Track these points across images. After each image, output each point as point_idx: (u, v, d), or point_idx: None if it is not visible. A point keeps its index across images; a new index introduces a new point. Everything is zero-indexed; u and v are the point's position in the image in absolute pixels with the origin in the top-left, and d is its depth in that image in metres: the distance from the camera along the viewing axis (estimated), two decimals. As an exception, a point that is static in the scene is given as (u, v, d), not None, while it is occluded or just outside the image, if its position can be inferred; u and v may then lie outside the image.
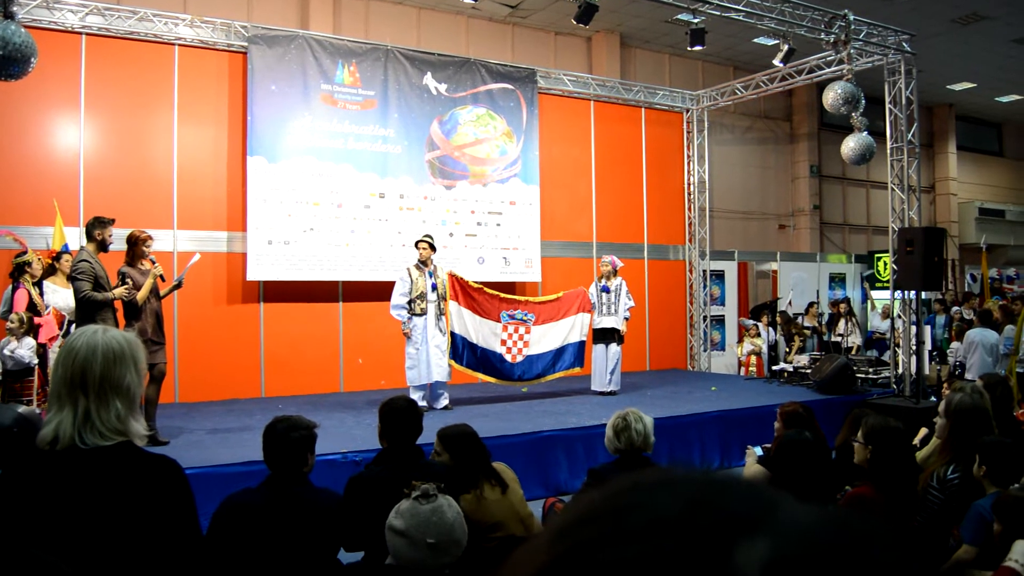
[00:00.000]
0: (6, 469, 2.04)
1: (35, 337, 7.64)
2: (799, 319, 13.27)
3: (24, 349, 7.48)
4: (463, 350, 8.55)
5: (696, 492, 0.49)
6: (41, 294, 7.96)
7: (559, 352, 9.12)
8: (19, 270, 7.94)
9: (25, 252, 8.17)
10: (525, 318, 8.97)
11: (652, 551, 0.45)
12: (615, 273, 9.52)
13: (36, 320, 7.70)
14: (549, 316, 9.12)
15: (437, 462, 3.74)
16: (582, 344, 9.26)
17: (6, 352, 7.43)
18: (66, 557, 1.86)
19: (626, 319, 9.48)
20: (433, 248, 8.52)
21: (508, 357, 8.86)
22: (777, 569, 0.43)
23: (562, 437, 7.09)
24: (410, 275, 8.36)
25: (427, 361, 8.30)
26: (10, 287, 8.04)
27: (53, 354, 7.44)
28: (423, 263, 8.41)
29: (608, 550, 0.46)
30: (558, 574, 0.47)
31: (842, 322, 13.01)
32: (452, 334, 8.45)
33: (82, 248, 6.41)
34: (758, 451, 5.13)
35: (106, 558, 1.91)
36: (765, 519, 0.46)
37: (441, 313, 8.43)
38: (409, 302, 8.30)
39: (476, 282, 8.98)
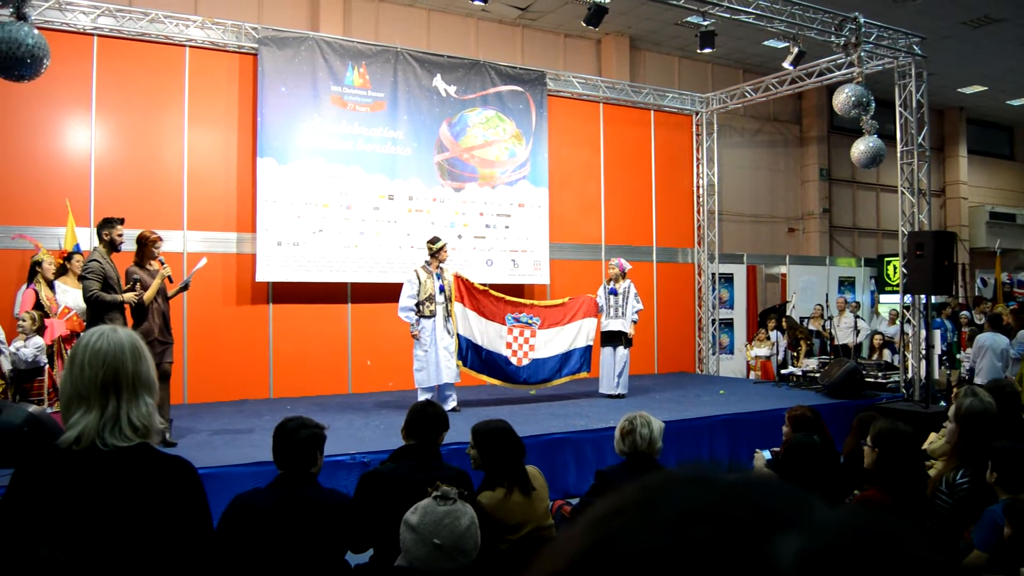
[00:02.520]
0: (19, 467, 2.05)
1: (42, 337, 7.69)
2: (804, 323, 13.24)
3: (30, 348, 7.52)
4: (467, 352, 8.55)
5: (729, 487, 0.50)
6: (55, 294, 8.01)
7: (566, 356, 9.12)
8: (31, 270, 7.99)
9: (37, 252, 8.23)
10: (530, 321, 8.97)
11: (686, 539, 0.46)
12: (623, 276, 9.51)
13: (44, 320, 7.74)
14: (555, 320, 9.12)
15: (448, 467, 3.73)
16: (589, 349, 9.26)
17: (10, 350, 7.47)
18: (81, 555, 1.87)
19: (634, 322, 9.47)
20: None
21: (513, 360, 8.86)
22: (814, 561, 0.44)
23: (570, 439, 7.09)
24: (418, 277, 8.36)
25: (436, 363, 8.31)
26: (24, 286, 8.12)
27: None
28: (432, 264, 8.41)
29: (642, 537, 0.47)
30: (593, 560, 0.48)
31: (848, 313, 13.04)
32: (457, 335, 8.45)
33: (94, 249, 6.45)
34: (766, 455, 5.11)
35: (121, 556, 1.92)
36: (799, 515, 0.47)
37: (449, 315, 8.44)
38: (417, 304, 8.30)
39: (482, 284, 8.99)
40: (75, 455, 1.96)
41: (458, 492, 2.64)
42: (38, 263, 8.00)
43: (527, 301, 9.38)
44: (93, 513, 1.93)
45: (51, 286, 8.01)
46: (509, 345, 8.84)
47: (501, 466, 3.71)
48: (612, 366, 9.48)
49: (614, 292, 9.46)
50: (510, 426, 3.86)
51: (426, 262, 8.46)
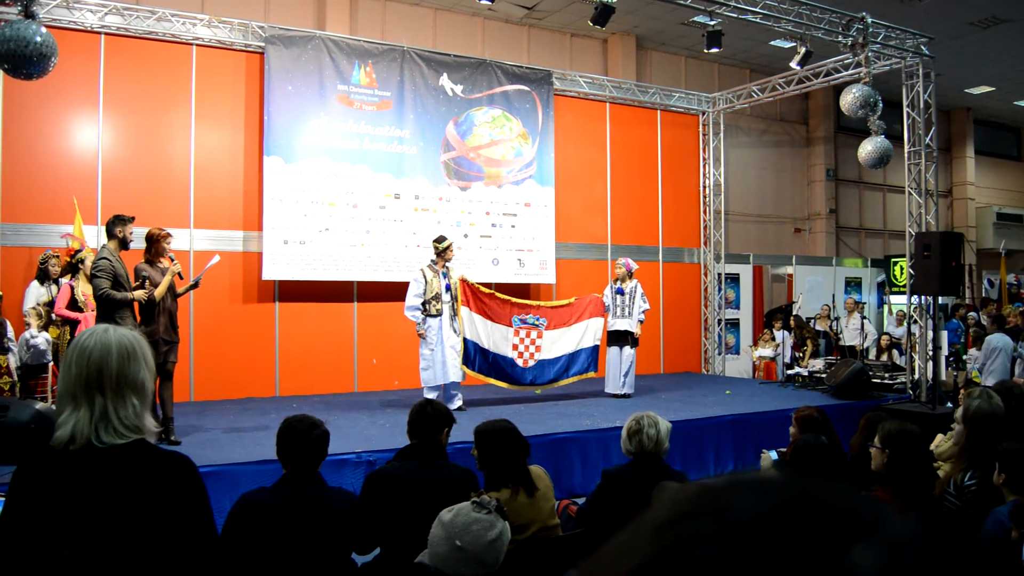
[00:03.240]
0: (23, 465, 2.05)
1: (71, 333, 7.74)
2: (811, 323, 13.23)
3: (40, 338, 7.58)
4: (475, 355, 8.55)
5: (797, 493, 0.48)
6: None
7: (572, 356, 9.12)
8: (72, 267, 8.13)
9: (81, 249, 8.32)
10: (537, 322, 8.97)
11: (758, 550, 0.44)
12: (630, 276, 9.50)
13: (74, 315, 7.79)
14: (561, 321, 9.12)
15: (455, 466, 3.73)
16: (595, 348, 9.26)
17: (25, 336, 7.52)
18: (82, 554, 1.87)
19: (640, 322, 9.46)
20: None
21: (520, 362, 8.86)
22: (895, 574, 0.43)
23: (576, 439, 7.08)
24: (424, 276, 8.36)
25: (442, 361, 8.31)
26: (34, 283, 8.17)
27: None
28: (439, 263, 8.41)
29: (715, 546, 0.45)
30: (663, 568, 0.46)
31: (856, 315, 13.01)
32: (464, 340, 8.45)
33: (103, 246, 6.45)
34: (773, 455, 5.10)
35: (122, 555, 1.91)
36: (873, 523, 0.46)
37: (455, 314, 8.44)
38: (423, 303, 8.31)
39: (486, 286, 9.01)
40: (73, 454, 1.96)
41: (496, 504, 2.66)
42: (81, 260, 8.08)
43: (534, 302, 9.38)
44: (93, 512, 1.93)
45: (57, 283, 8.07)
46: (515, 347, 8.85)
47: (504, 466, 3.70)
48: (618, 366, 9.47)
49: (621, 292, 9.45)
50: (513, 426, 3.84)
51: (432, 261, 8.46)
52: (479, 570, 2.57)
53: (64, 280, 8.15)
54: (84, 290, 7.94)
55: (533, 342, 8.94)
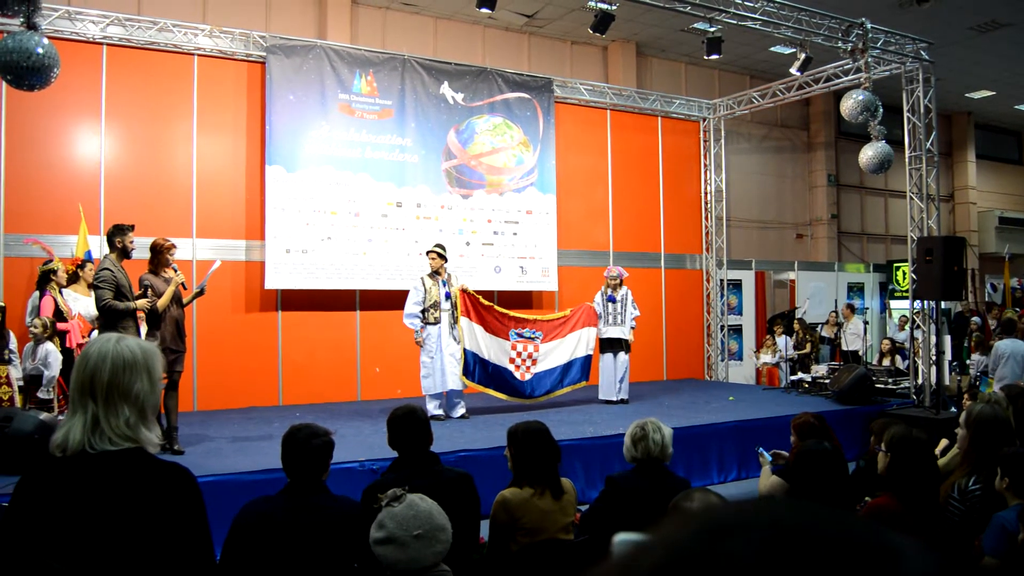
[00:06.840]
0: (24, 475, 2.06)
1: (62, 343, 7.73)
2: (819, 328, 13.24)
3: (52, 356, 7.58)
4: (474, 366, 8.55)
5: (805, 534, 0.44)
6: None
7: (566, 367, 9.17)
8: (45, 278, 8.03)
9: (51, 260, 8.27)
10: (533, 336, 9.01)
11: None
12: (620, 284, 9.53)
13: (61, 326, 7.78)
14: (556, 333, 9.18)
15: (449, 469, 3.74)
16: (588, 358, 9.31)
17: (39, 353, 7.51)
18: (75, 562, 1.87)
19: (632, 328, 9.49)
20: (444, 258, 8.53)
21: (517, 374, 8.89)
22: None
23: (578, 446, 7.07)
24: (424, 284, 8.38)
25: (442, 370, 8.32)
26: (35, 294, 8.15)
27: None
28: (435, 272, 8.43)
29: None
30: None
31: (854, 319, 13.03)
32: (464, 350, 8.46)
33: (105, 256, 6.45)
34: (767, 455, 5.09)
35: (114, 564, 1.90)
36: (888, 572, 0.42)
37: (455, 322, 8.44)
38: (423, 311, 8.32)
39: (488, 295, 9.03)
40: (70, 461, 1.95)
41: (403, 488, 2.61)
42: (52, 271, 8.03)
43: (531, 316, 9.38)
44: (88, 520, 1.92)
45: (63, 294, 8.05)
46: (512, 360, 8.87)
47: (534, 467, 3.75)
48: (613, 372, 9.48)
49: (612, 299, 9.46)
50: (546, 427, 3.90)
51: (432, 269, 8.48)
52: (445, 536, 2.53)
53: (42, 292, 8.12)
54: (63, 301, 7.95)
55: (530, 355, 8.98)
